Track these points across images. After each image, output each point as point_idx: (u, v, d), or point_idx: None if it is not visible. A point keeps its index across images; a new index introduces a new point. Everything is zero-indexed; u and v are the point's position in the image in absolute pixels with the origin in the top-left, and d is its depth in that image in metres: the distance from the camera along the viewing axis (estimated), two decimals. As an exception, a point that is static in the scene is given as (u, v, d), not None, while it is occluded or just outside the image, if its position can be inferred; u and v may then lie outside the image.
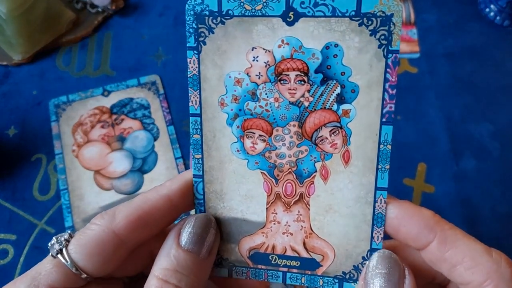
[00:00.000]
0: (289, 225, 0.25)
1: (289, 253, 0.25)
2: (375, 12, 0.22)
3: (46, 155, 0.49)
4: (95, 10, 0.57)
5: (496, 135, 0.50)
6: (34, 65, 0.54)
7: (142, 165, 0.49)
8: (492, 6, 0.56)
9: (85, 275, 0.23)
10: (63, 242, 0.23)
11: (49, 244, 0.23)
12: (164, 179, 0.48)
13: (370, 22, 0.22)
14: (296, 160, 0.24)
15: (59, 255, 0.23)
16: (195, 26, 0.23)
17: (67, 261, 0.22)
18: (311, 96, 0.23)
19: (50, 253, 0.23)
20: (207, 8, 0.23)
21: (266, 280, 0.25)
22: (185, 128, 0.50)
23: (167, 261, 0.23)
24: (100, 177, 0.48)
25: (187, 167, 0.48)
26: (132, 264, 0.26)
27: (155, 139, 0.50)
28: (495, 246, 0.47)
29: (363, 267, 0.24)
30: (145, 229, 0.24)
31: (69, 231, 0.24)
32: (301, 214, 0.25)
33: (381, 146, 0.23)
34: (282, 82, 0.23)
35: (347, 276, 0.25)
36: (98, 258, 0.23)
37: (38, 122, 0.51)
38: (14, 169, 0.48)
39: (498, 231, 0.46)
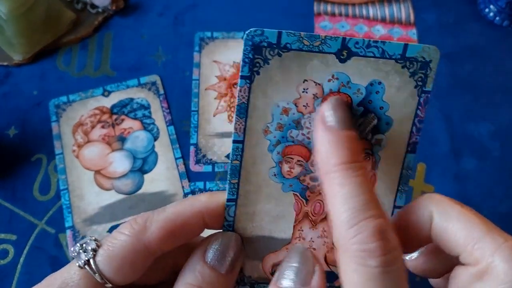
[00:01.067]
0: (313, 241, 0.26)
1: None
2: (417, 57, 0.24)
3: (47, 155, 0.49)
4: (95, 10, 0.57)
5: (496, 135, 0.50)
6: (35, 66, 0.54)
7: (142, 165, 0.49)
8: (491, 6, 0.56)
9: (110, 285, 0.23)
10: (91, 253, 0.23)
11: (74, 252, 0.23)
12: (164, 179, 0.48)
13: (411, 66, 0.24)
14: None
15: (86, 266, 0.22)
16: (251, 56, 0.23)
17: (95, 273, 0.22)
18: None
19: (77, 264, 0.23)
20: (266, 40, 0.23)
21: None
22: (185, 128, 0.51)
23: (192, 276, 0.23)
24: (101, 177, 0.48)
25: (187, 167, 0.48)
26: (156, 274, 0.26)
27: (155, 139, 0.50)
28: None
29: None
30: (175, 241, 0.24)
31: (94, 238, 0.23)
32: (325, 231, 0.26)
33: (404, 171, 0.26)
34: None
35: None
36: (126, 270, 0.23)
37: (38, 122, 0.51)
38: (14, 169, 0.48)
39: (498, 231, 0.46)
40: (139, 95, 0.52)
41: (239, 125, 0.24)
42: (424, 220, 0.23)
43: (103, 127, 0.50)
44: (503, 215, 0.46)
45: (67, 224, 0.46)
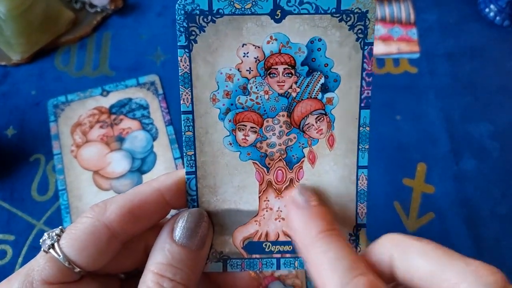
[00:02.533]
0: (281, 211, 0.26)
1: (282, 238, 0.26)
2: (352, 9, 0.24)
3: (45, 155, 0.49)
4: (94, 10, 0.57)
5: (496, 135, 0.50)
6: (33, 65, 0.54)
7: (141, 165, 0.48)
8: (492, 6, 0.55)
9: (78, 269, 0.23)
10: (55, 237, 0.23)
11: (41, 240, 0.23)
12: (163, 179, 0.48)
13: (348, 18, 0.24)
14: (286, 147, 0.25)
15: (51, 250, 0.23)
16: (186, 25, 0.24)
17: (59, 256, 0.22)
18: (298, 87, 0.25)
19: (42, 249, 0.23)
20: (197, 8, 0.24)
21: (260, 269, 0.26)
22: (184, 128, 0.50)
23: (162, 255, 0.23)
24: (99, 178, 0.48)
25: (186, 168, 0.48)
26: (128, 259, 0.26)
27: (154, 139, 0.50)
28: (495, 246, 0.47)
29: (350, 242, 0.26)
30: (136, 222, 0.24)
31: (60, 226, 0.24)
32: None
33: (361, 128, 0.25)
34: (271, 75, 0.25)
35: None
36: (90, 251, 0.23)
37: (36, 122, 0.51)
38: (13, 169, 0.48)
39: (498, 231, 0.45)
40: (138, 95, 0.52)
41: (185, 95, 0.25)
42: (385, 264, 0.23)
43: (101, 127, 0.50)
44: (502, 216, 0.46)
45: (65, 225, 0.46)
